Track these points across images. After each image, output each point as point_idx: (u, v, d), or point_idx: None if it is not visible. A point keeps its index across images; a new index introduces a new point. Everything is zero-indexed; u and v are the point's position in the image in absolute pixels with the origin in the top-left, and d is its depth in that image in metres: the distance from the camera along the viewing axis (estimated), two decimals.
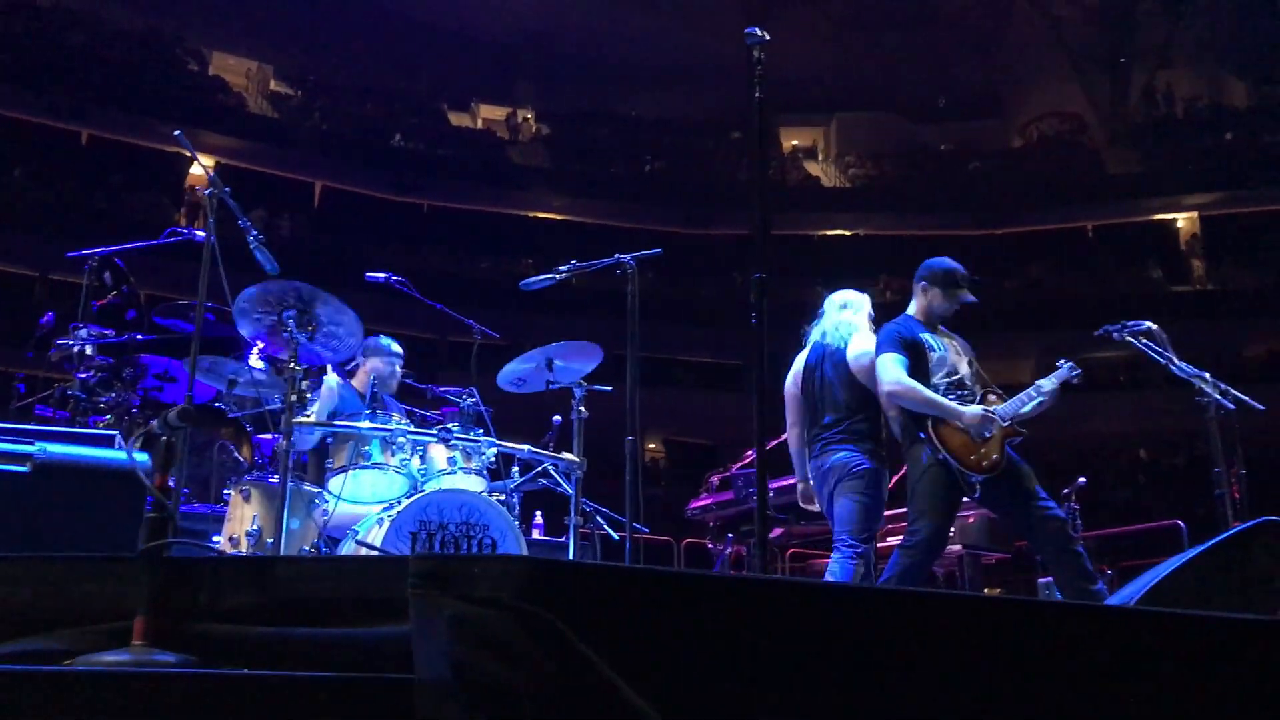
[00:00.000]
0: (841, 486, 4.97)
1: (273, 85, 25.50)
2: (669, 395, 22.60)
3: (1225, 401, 5.13)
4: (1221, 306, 22.57)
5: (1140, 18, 25.71)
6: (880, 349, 4.93)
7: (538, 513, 7.12)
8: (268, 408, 5.07)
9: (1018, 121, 28.23)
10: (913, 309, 5.11)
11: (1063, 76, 26.83)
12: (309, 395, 4.90)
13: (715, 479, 7.94)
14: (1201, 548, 3.53)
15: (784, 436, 7.97)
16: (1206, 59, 26.41)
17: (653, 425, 24.10)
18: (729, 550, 7.54)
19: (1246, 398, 5.18)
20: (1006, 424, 4.76)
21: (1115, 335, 5.47)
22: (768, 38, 3.61)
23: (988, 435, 4.73)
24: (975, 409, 4.74)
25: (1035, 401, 4.89)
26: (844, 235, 26.43)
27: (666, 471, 23.50)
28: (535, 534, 6.84)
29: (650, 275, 23.08)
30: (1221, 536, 3.53)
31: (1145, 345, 5.38)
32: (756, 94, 3.62)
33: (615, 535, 5.73)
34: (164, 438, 1.89)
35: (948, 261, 5.11)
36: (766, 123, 3.99)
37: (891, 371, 4.82)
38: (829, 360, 5.21)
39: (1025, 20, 25.97)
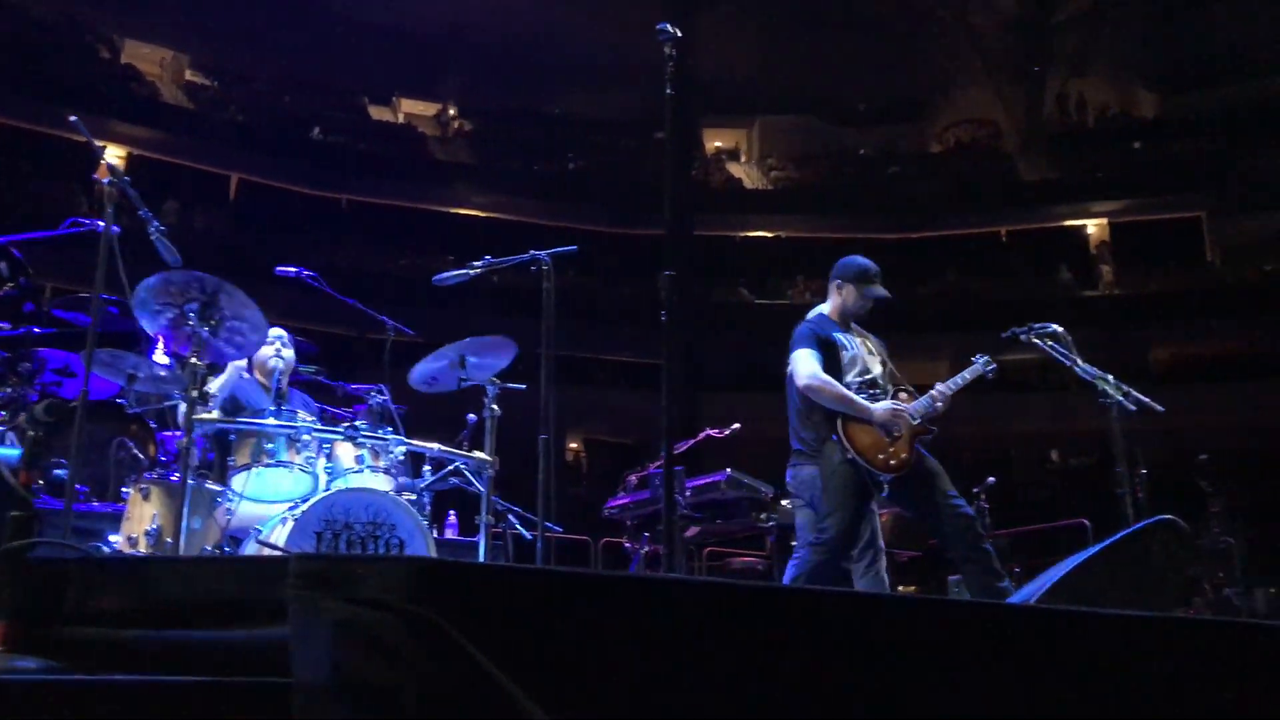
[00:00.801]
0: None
1: (188, 75, 24.92)
2: (591, 395, 22.57)
3: (1127, 403, 5.25)
4: (1128, 311, 23.19)
5: (1054, 28, 26.29)
6: (795, 345, 4.98)
7: (451, 513, 7.03)
8: (169, 404, 4.92)
9: (936, 127, 28.70)
10: (826, 308, 5.19)
11: (980, 84, 27.34)
12: (212, 392, 4.78)
13: (633, 478, 7.91)
14: (1100, 546, 3.61)
15: (701, 435, 8.01)
16: (1117, 70, 27.11)
17: (575, 424, 24.04)
18: (645, 549, 7.53)
19: (1147, 400, 5.30)
20: (917, 421, 4.82)
21: (1022, 337, 5.57)
22: (679, 34, 3.59)
23: (897, 434, 4.78)
24: (885, 406, 4.80)
25: (947, 398, 4.97)
26: (765, 237, 26.62)
27: (587, 471, 23.46)
28: (449, 534, 6.75)
29: (573, 274, 23.01)
30: (1119, 535, 3.61)
31: (1050, 347, 5.49)
32: (668, 90, 3.61)
33: (528, 534, 5.69)
34: (31, 433, 1.80)
35: (861, 260, 5.19)
36: (687, 122, 4.03)
37: (806, 366, 4.87)
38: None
39: (944, 28, 26.40)
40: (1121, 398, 5.24)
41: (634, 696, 1.77)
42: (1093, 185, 25.30)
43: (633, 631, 1.77)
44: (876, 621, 2.00)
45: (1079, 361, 5.37)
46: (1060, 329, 5.49)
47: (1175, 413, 5.99)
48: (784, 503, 7.15)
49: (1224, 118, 25.02)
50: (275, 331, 5.51)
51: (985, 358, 5.15)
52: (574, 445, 24.96)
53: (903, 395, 4.95)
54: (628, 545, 7.81)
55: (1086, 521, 9.10)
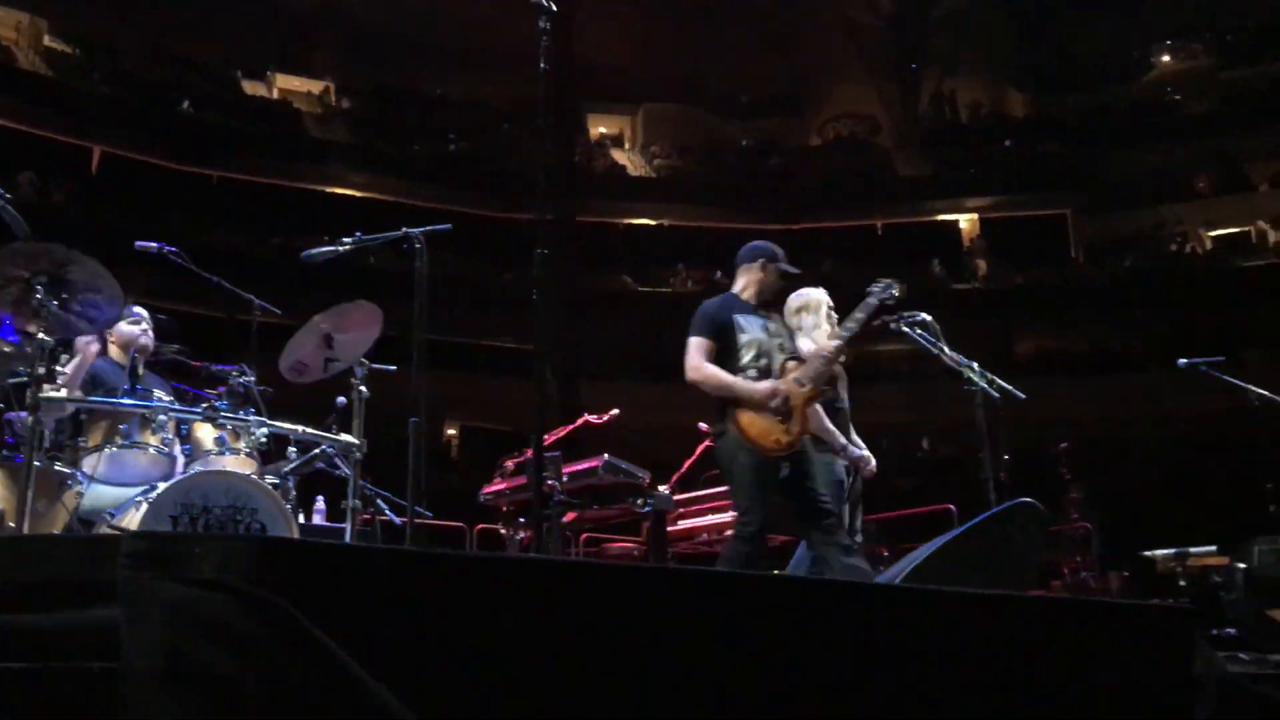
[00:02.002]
0: None
1: (47, 41, 23.73)
2: (470, 381, 22.31)
3: (991, 390, 5.39)
4: (996, 305, 23.93)
5: (930, 26, 26.94)
6: (690, 331, 5.03)
7: (319, 498, 6.86)
8: (14, 381, 4.66)
9: (816, 121, 29.12)
10: (738, 287, 5.24)
11: (859, 79, 27.85)
12: (61, 369, 4.54)
13: (510, 464, 7.83)
14: (962, 528, 3.69)
15: (579, 421, 7.97)
16: (989, 69, 27.92)
17: (453, 411, 23.74)
18: (520, 535, 7.47)
19: (1010, 387, 5.45)
20: (806, 389, 4.85)
21: (892, 325, 5.68)
22: (554, 8, 3.53)
23: (786, 408, 4.80)
24: (766, 386, 4.83)
25: (841, 348, 5.02)
26: (648, 225, 26.68)
27: (465, 459, 23.19)
28: (316, 520, 6.59)
29: (452, 258, 22.69)
30: (980, 517, 3.69)
31: (919, 335, 5.61)
32: (542, 64, 3.55)
33: (398, 520, 5.57)
34: None
35: (764, 242, 5.35)
36: (571, 107, 4.02)
37: (691, 358, 4.95)
38: None
39: (824, 23, 26.81)
40: (986, 385, 5.38)
41: (481, 676, 1.73)
42: (965, 182, 26.04)
43: (479, 610, 1.72)
44: (733, 599, 2.00)
45: (945, 349, 5.50)
46: (929, 318, 5.62)
47: (1036, 403, 6.17)
48: (661, 488, 7.19)
49: (1089, 119, 25.98)
50: (140, 311, 5.29)
51: (882, 284, 5.22)
52: (451, 432, 24.66)
53: (790, 365, 4.98)
54: (503, 531, 7.73)
55: (953, 507, 9.33)
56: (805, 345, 5.49)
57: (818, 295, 5.85)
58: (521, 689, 1.69)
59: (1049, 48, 26.51)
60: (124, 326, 5.15)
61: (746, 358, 4.97)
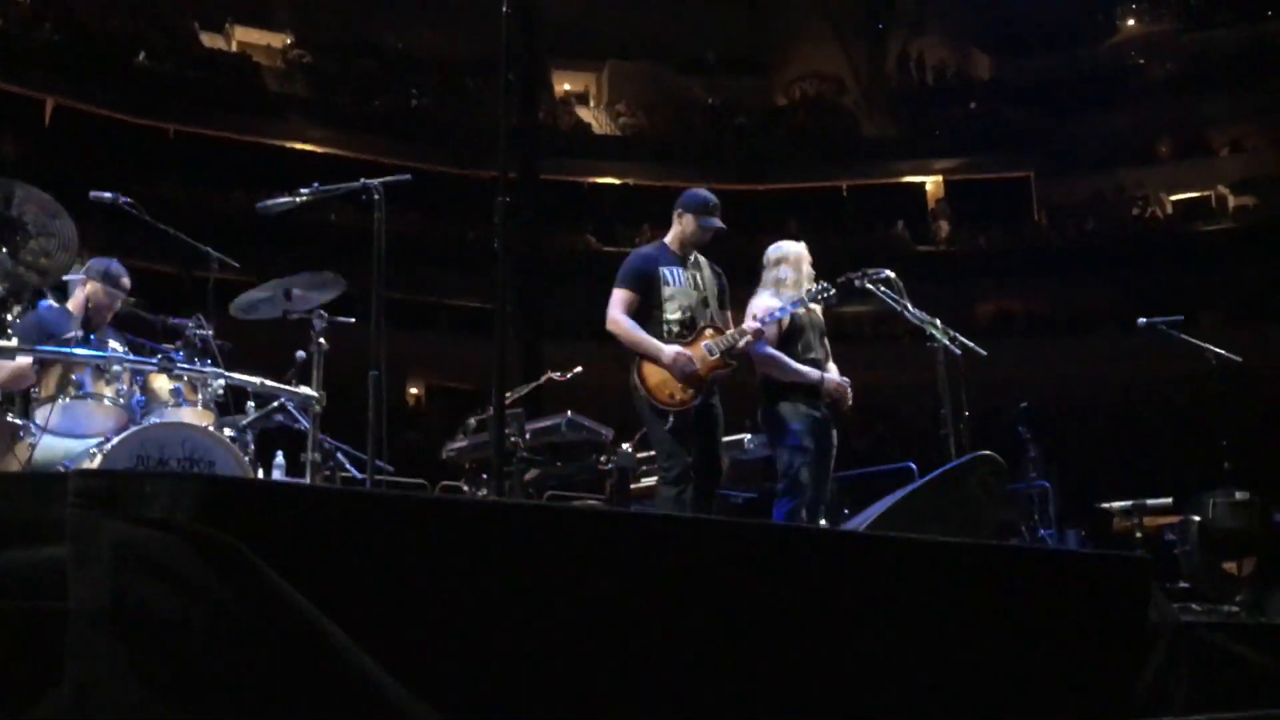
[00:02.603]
0: None
1: None
2: (433, 340, 22.17)
3: (953, 347, 5.41)
4: (959, 266, 24.05)
5: None
6: (615, 281, 5.17)
7: (279, 453, 6.79)
8: None
9: (781, 80, 28.99)
10: (669, 237, 5.35)
11: (826, 39, 27.72)
12: (12, 318, 4.44)
13: (473, 421, 7.81)
14: (922, 480, 3.71)
15: (543, 378, 7.94)
16: (954, 31, 27.87)
17: (417, 370, 23.60)
18: (482, 491, 7.46)
19: (972, 344, 5.47)
20: (714, 357, 4.97)
21: (856, 282, 5.68)
22: None
23: (690, 373, 4.88)
24: (672, 349, 4.96)
25: (758, 331, 5.10)
26: (612, 184, 26.53)
27: (429, 417, 23.08)
28: (276, 474, 6.52)
29: (414, 216, 22.45)
30: (940, 470, 3.71)
31: (883, 292, 5.62)
32: (505, 9, 3.48)
33: (358, 474, 5.53)
34: None
35: (703, 192, 5.43)
36: (535, 63, 3.99)
37: (611, 309, 5.11)
38: None
39: None
40: (948, 342, 5.40)
41: (432, 615, 1.71)
42: (930, 143, 26.06)
43: (429, 550, 1.70)
44: (685, 544, 1.99)
45: (909, 306, 5.50)
46: (893, 275, 5.63)
47: (996, 364, 6.22)
48: (624, 446, 7.20)
49: (1052, 82, 26.02)
50: (128, 283, 5.20)
51: (819, 285, 5.31)
52: (415, 390, 24.52)
53: (708, 332, 5.10)
54: (465, 488, 7.72)
55: (913, 465, 9.40)
56: (762, 301, 5.53)
57: (798, 250, 5.86)
58: (470, 629, 1.67)
59: (1014, 9, 26.48)
60: (99, 290, 5.05)
61: (669, 310, 5.09)
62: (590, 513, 2.20)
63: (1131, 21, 27.24)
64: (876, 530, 3.23)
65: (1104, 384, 21.39)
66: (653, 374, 4.99)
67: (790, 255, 5.82)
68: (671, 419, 4.95)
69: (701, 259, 5.33)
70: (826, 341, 5.78)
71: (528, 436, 7.28)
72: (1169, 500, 5.81)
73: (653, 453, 7.53)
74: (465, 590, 1.67)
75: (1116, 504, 5.73)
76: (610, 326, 5.10)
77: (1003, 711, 2.41)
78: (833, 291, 5.39)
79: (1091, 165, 25.53)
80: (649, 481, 7.61)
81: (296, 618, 1.55)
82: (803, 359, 5.46)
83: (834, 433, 5.51)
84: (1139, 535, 5.46)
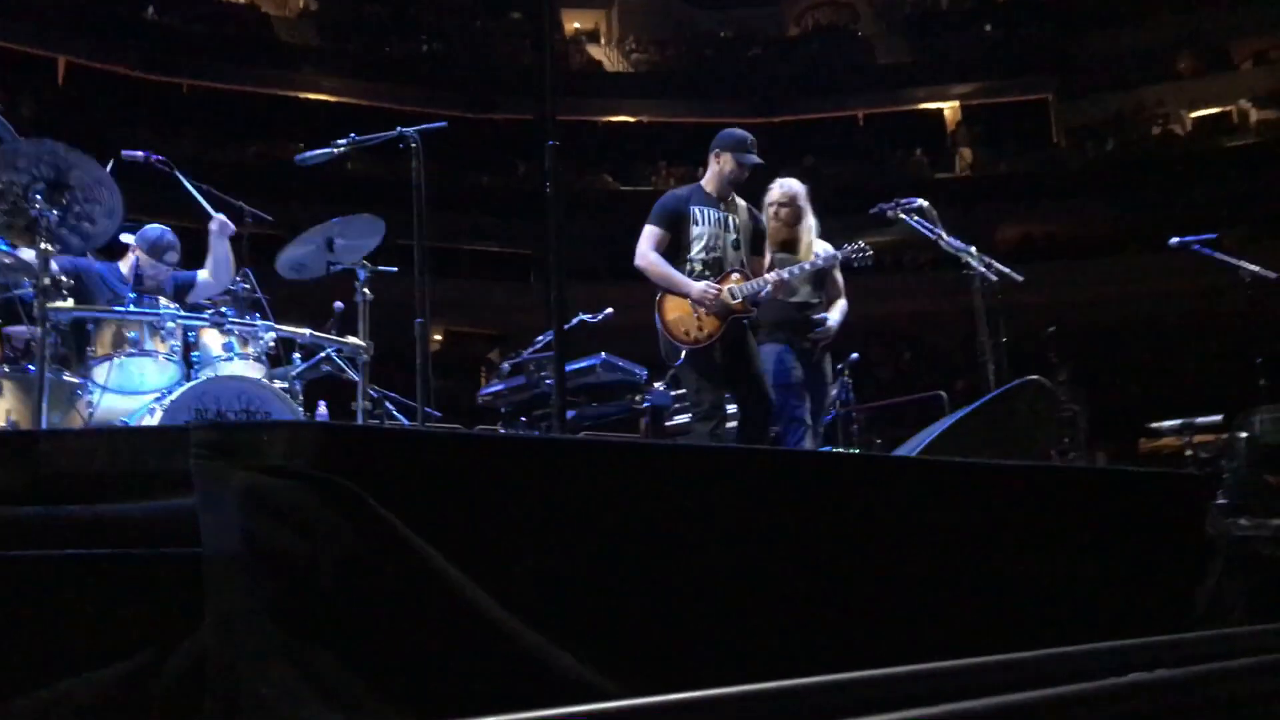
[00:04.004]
0: None
1: None
2: (450, 285, 22.23)
3: (990, 274, 5.42)
4: (979, 192, 23.85)
5: None
6: (647, 220, 5.22)
7: (322, 403, 6.88)
8: (16, 293, 4.63)
9: (793, 10, 28.61)
10: (705, 179, 5.37)
11: None
12: (64, 279, 4.51)
13: (506, 365, 7.87)
14: (972, 406, 3.76)
15: (575, 320, 8.00)
16: None
17: (435, 316, 23.66)
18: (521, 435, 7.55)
19: (1007, 270, 5.48)
20: (737, 301, 5.02)
21: (889, 212, 5.68)
22: None
23: (711, 311, 5.00)
24: (700, 285, 5.02)
25: (784, 282, 5.17)
26: (627, 122, 26.35)
27: (451, 362, 23.22)
28: None
29: (431, 162, 22.35)
30: (989, 395, 3.76)
31: (917, 222, 5.61)
32: None
33: (407, 421, 5.62)
34: None
35: (738, 130, 5.39)
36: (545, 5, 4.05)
37: (640, 244, 5.17)
38: None
39: None
40: (984, 269, 5.41)
41: (548, 556, 1.78)
42: (946, 69, 25.72)
43: (546, 492, 1.77)
44: (794, 475, 2.05)
45: (944, 235, 5.50)
46: (926, 204, 5.62)
47: (1022, 289, 6.23)
48: (657, 385, 7.26)
49: (1067, 1, 25.59)
50: (173, 255, 5.27)
51: (857, 245, 5.36)
52: (436, 336, 24.66)
53: (735, 277, 5.14)
54: (503, 432, 7.80)
55: (943, 394, 9.44)
56: (819, 245, 5.61)
57: (801, 189, 5.92)
58: (585, 565, 1.74)
59: None
60: (147, 261, 5.13)
61: (695, 249, 5.15)
62: (689, 449, 2.26)
63: None
64: (933, 453, 3.29)
65: (1129, 305, 21.32)
66: (672, 309, 5.08)
67: (800, 193, 5.86)
68: (685, 354, 5.04)
69: (739, 201, 5.36)
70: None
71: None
72: (1218, 418, 5.84)
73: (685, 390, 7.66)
74: (575, 528, 1.74)
75: (1166, 423, 5.76)
76: (639, 261, 5.16)
77: (1069, 627, 2.48)
78: (869, 253, 5.47)
79: (1110, 85, 25.19)
80: (682, 419, 7.69)
81: (413, 556, 1.63)
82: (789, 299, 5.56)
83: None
84: (1189, 450, 5.49)
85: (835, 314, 5.85)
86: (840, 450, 7.79)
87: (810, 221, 5.86)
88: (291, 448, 1.59)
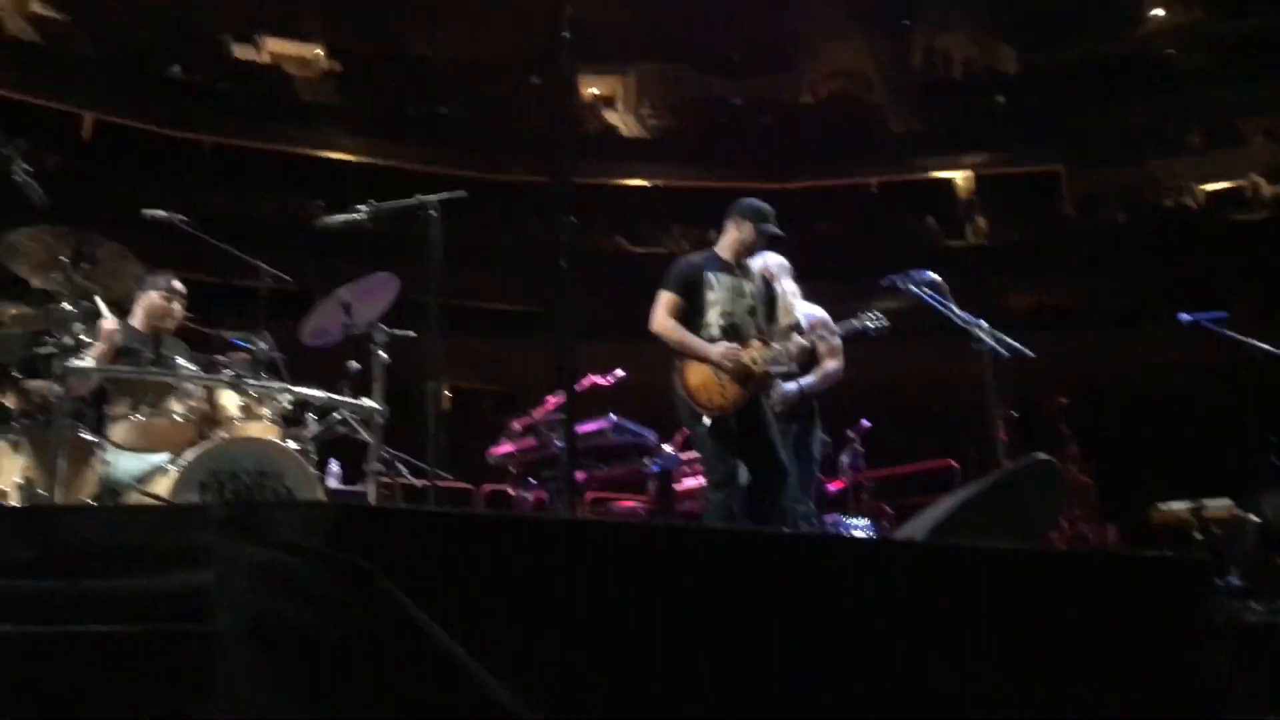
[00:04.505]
0: None
1: (34, 6, 23.50)
2: (461, 342, 22.31)
3: (1000, 348, 5.45)
4: (990, 261, 23.94)
5: None
6: (661, 285, 5.22)
7: (333, 461, 6.93)
8: (41, 351, 4.69)
9: (807, 78, 28.98)
10: (720, 244, 5.39)
11: (849, 36, 27.69)
12: (84, 338, 4.58)
13: (517, 425, 7.90)
14: (978, 485, 3.77)
15: (586, 382, 8.04)
16: (981, 25, 27.77)
17: (445, 372, 23.74)
18: (531, 495, 7.57)
19: (1018, 345, 5.52)
20: (758, 368, 5.02)
21: (900, 285, 5.72)
22: None
23: (733, 377, 4.99)
24: (721, 346, 5.01)
25: (804, 350, 5.21)
26: (642, 185, 26.62)
27: (459, 419, 23.24)
28: (332, 483, 6.67)
29: (444, 219, 22.55)
30: (996, 474, 3.77)
31: (928, 295, 5.66)
32: (565, 34, 3.57)
33: (418, 483, 5.65)
34: None
35: (758, 201, 5.46)
36: (561, 66, 4.09)
37: (655, 311, 5.16)
38: None
39: None
40: (994, 343, 5.44)
41: (553, 636, 1.80)
42: (959, 138, 25.98)
43: (552, 572, 1.79)
44: (800, 560, 2.07)
45: (954, 309, 5.55)
46: (937, 278, 5.68)
47: (1030, 358, 6.26)
48: (666, 447, 7.28)
49: (1080, 74, 25.87)
50: (176, 285, 5.33)
51: (873, 315, 5.39)
52: (445, 393, 24.69)
53: (755, 343, 5.14)
54: (514, 492, 7.82)
55: (954, 463, 9.42)
56: (801, 308, 5.65)
57: (777, 258, 5.97)
58: (594, 649, 1.76)
59: (1039, 1, 26.35)
60: (155, 297, 5.19)
61: (711, 316, 5.14)
62: (702, 530, 2.29)
63: (1160, 11, 27.06)
64: (936, 537, 3.29)
65: (1141, 377, 21.27)
66: (694, 375, 5.04)
67: (787, 267, 5.93)
68: (708, 422, 5.01)
69: (753, 267, 5.39)
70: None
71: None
72: (1227, 501, 5.82)
73: (696, 454, 7.66)
74: (583, 609, 1.76)
75: (1175, 504, 5.74)
76: (655, 328, 5.15)
77: (1064, 716, 2.48)
78: (886, 324, 5.51)
79: (1122, 157, 25.36)
80: (691, 483, 7.70)
81: (420, 635, 1.65)
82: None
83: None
84: (1198, 532, 5.47)
85: (813, 375, 5.84)
86: (849, 524, 7.77)
87: (789, 286, 5.87)
88: (306, 526, 1.63)
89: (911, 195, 26.05)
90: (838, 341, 5.91)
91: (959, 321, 5.44)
